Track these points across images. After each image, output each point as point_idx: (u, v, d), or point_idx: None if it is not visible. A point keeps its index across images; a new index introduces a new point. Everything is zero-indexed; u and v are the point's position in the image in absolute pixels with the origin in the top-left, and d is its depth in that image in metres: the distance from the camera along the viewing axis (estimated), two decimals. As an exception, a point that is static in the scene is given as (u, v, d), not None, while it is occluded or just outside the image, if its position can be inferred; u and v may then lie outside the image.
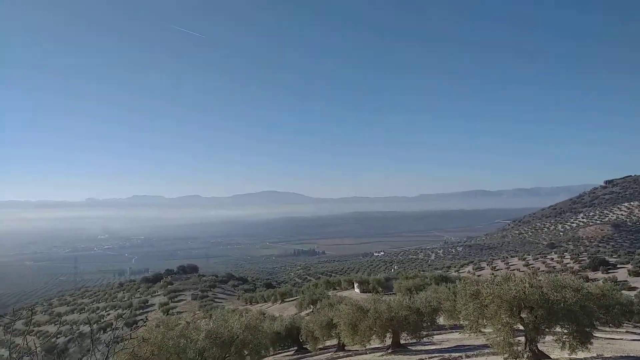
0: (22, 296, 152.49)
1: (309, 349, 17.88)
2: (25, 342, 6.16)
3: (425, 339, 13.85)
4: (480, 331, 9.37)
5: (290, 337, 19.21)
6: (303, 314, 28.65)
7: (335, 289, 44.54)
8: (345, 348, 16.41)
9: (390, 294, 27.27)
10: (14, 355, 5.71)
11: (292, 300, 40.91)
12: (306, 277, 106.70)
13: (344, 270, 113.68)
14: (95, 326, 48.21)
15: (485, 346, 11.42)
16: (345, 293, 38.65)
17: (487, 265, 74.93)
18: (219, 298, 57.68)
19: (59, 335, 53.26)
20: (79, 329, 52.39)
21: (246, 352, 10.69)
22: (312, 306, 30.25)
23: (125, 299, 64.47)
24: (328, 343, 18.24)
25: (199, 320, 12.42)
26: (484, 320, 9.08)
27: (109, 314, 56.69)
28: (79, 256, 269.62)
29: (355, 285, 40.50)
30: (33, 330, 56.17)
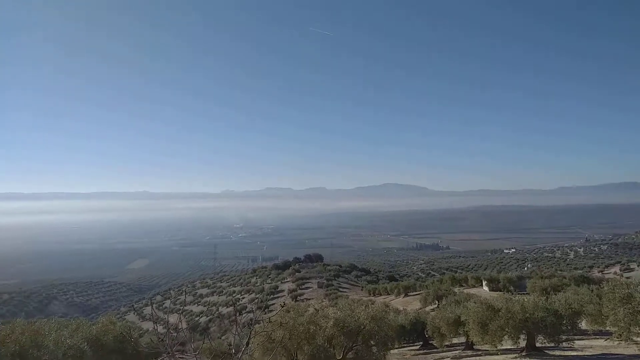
0: (171, 278, 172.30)
1: (435, 344, 17.62)
2: (180, 321, 7.09)
3: (564, 344, 12.89)
4: (632, 339, 8.50)
5: (415, 331, 19.13)
6: (428, 309, 28.24)
7: (462, 286, 43.07)
8: (474, 347, 15.91)
9: (523, 294, 25.75)
10: (171, 330, 6.60)
11: (415, 295, 40.47)
12: (430, 272, 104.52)
13: (470, 266, 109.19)
14: (233, 308, 52.71)
15: (637, 357, 10.31)
16: (472, 290, 37.22)
17: (638, 266, 67.17)
18: (343, 288, 59.14)
19: (201, 315, 59.21)
20: (218, 310, 57.63)
21: (372, 343, 10.91)
22: (437, 302, 29.72)
23: (258, 284, 69.16)
24: (455, 340, 17.82)
25: (326, 308, 12.95)
26: (638, 328, 8.21)
27: (243, 298, 61.43)
28: (218, 243, 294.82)
29: (484, 283, 38.77)
30: (180, 309, 63.11)
